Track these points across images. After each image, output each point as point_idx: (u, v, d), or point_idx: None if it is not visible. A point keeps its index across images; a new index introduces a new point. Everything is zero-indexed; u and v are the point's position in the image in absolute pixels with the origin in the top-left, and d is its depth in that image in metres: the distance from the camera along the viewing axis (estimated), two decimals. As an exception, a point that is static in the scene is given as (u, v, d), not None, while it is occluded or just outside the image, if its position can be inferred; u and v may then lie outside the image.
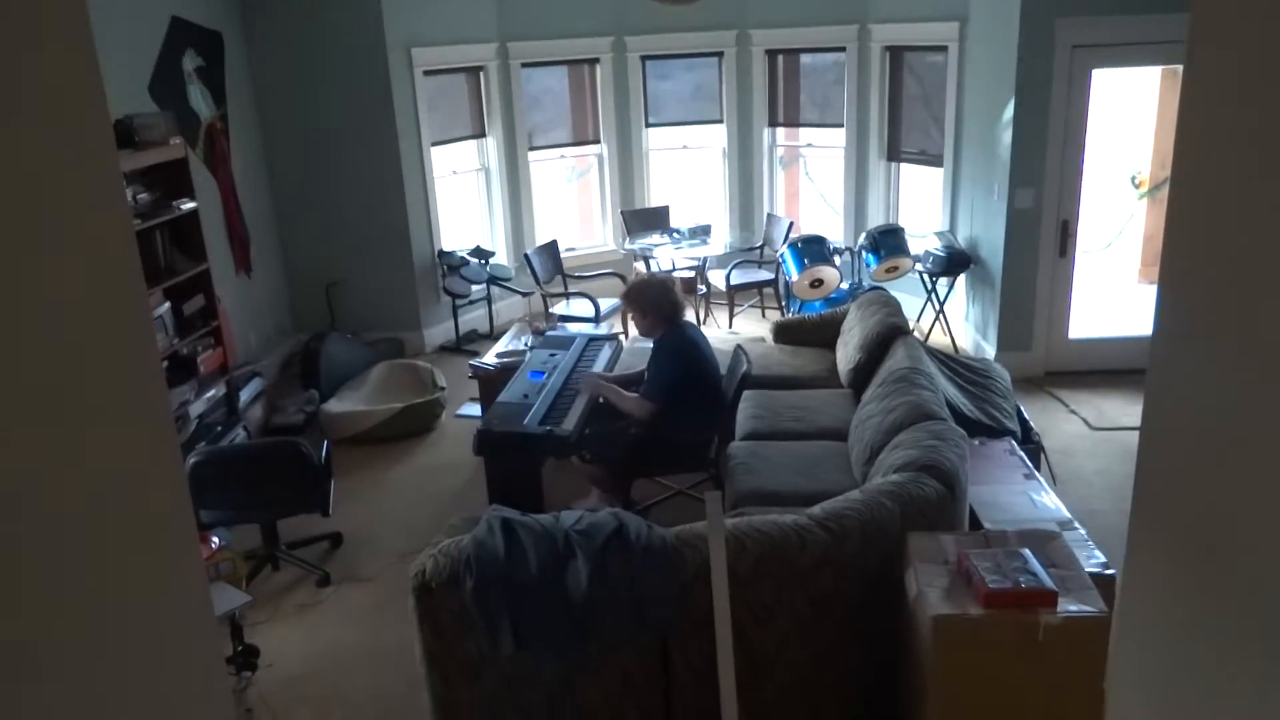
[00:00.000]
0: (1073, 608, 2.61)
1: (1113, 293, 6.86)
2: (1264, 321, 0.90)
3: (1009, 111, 5.72)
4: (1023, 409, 4.72)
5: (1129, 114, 6.25)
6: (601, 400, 4.53)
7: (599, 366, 4.81)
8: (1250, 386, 0.93)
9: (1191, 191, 1.02)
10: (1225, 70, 0.96)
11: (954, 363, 4.94)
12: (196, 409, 5.06)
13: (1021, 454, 4.14)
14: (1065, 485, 4.56)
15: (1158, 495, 1.12)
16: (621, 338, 5.45)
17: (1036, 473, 4.03)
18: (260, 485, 4.04)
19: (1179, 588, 1.07)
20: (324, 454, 4.19)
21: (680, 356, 4.17)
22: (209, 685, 1.24)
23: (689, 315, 6.24)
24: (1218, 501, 1.00)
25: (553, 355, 4.88)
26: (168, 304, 4.92)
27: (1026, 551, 2.81)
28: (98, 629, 1.01)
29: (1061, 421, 5.47)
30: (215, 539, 2.95)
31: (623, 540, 2.94)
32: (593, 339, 5.17)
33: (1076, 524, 3.54)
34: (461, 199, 7.58)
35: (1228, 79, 0.96)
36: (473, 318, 7.48)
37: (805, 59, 7.75)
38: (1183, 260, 1.04)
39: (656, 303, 4.21)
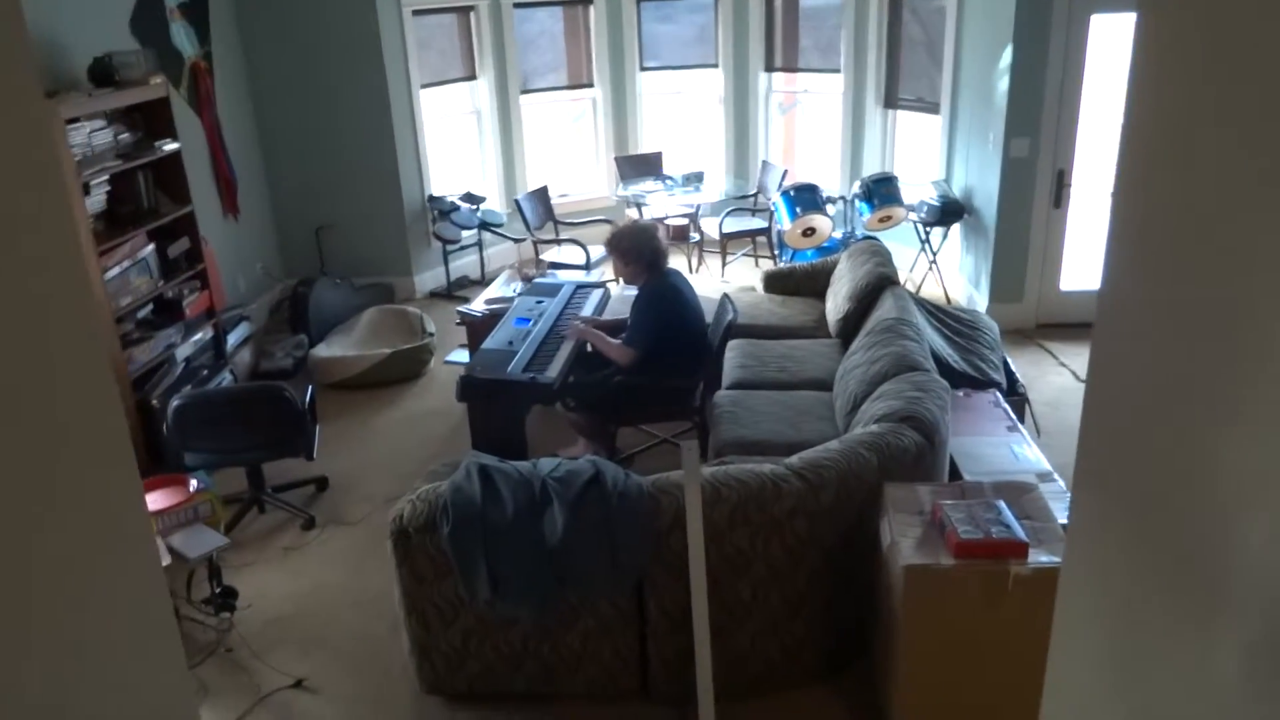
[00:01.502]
0: (1043, 559, 2.63)
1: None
2: (1204, 278, 0.88)
3: (1006, 58, 5.61)
4: (1009, 361, 4.71)
5: (1128, 61, 6.12)
6: (590, 348, 4.52)
7: (586, 314, 4.78)
8: (1192, 340, 0.91)
9: (1141, 145, 1.00)
10: (1179, 19, 0.93)
11: (942, 314, 4.91)
12: (183, 352, 5.05)
13: (1005, 406, 4.14)
14: (1050, 437, 4.56)
15: (1100, 447, 1.11)
16: (611, 285, 5.42)
17: (1020, 425, 4.03)
18: (244, 429, 4.04)
19: (1119, 543, 1.07)
20: (307, 398, 4.19)
21: (661, 304, 4.14)
22: (158, 636, 1.24)
23: (681, 264, 6.19)
24: (1157, 456, 0.99)
25: (539, 302, 4.85)
26: (151, 246, 4.88)
27: (1001, 503, 2.82)
28: (42, 579, 1.00)
29: (1050, 373, 5.46)
30: (194, 481, 2.95)
31: (599, 488, 2.95)
32: (580, 286, 5.14)
33: (1056, 476, 3.54)
34: (453, 143, 7.49)
35: (1181, 28, 0.93)
36: (464, 264, 7.43)
37: (804, 2, 7.59)
38: (1131, 213, 1.02)
39: (639, 250, 4.17)
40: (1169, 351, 0.93)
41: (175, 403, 3.91)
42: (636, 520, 2.89)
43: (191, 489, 2.96)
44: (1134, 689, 1.03)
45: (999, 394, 4.25)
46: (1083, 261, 6.05)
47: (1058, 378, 5.42)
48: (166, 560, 2.72)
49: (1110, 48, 5.58)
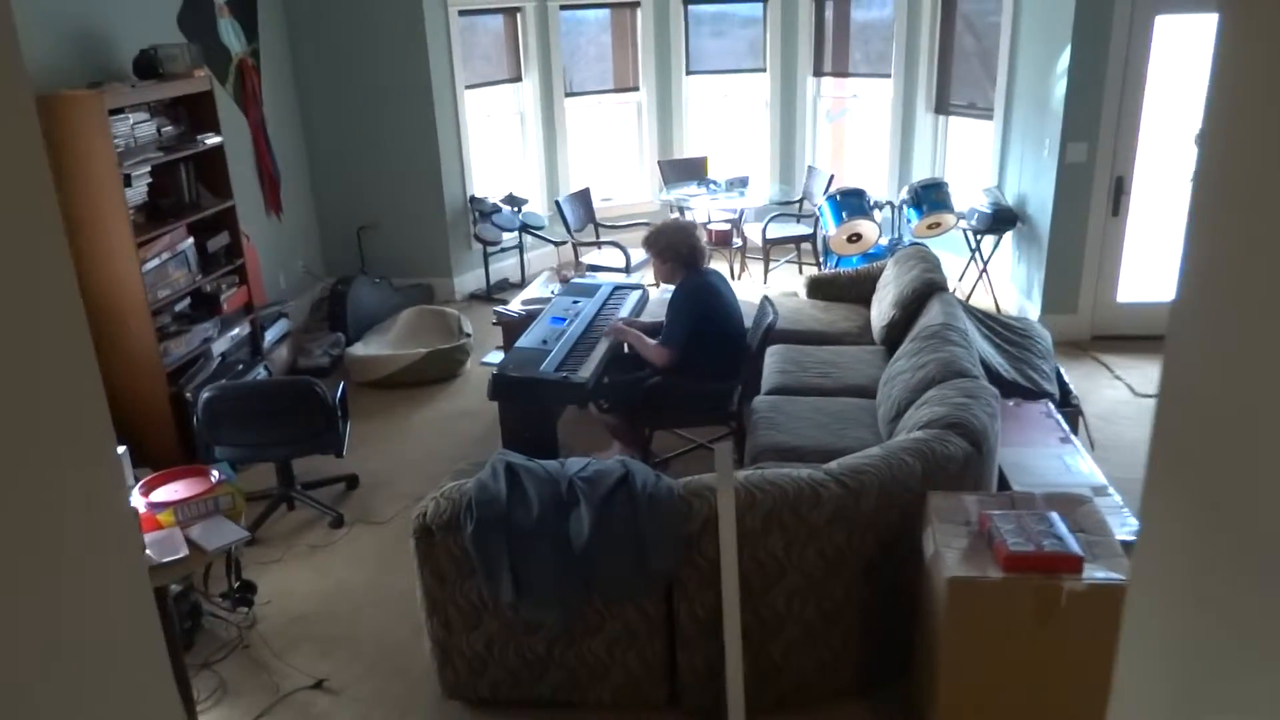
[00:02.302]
0: (1099, 574, 2.46)
1: (1171, 255, 6.52)
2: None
3: (1064, 60, 5.43)
4: (1062, 371, 4.52)
5: (1195, 67, 5.89)
6: (626, 349, 4.42)
7: (624, 315, 4.68)
8: (1273, 343, 0.79)
9: (1225, 143, 0.87)
10: (1267, 11, 0.80)
11: (992, 321, 4.74)
12: (219, 347, 5.03)
13: (1058, 417, 3.96)
14: (1104, 451, 4.37)
15: (1174, 454, 0.98)
16: (650, 288, 5.32)
17: (1074, 437, 3.85)
18: (273, 423, 4.00)
19: (1194, 554, 0.93)
20: (339, 394, 4.13)
21: (698, 301, 4.03)
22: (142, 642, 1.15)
23: (722, 270, 6.07)
24: (1236, 463, 0.86)
25: (576, 302, 4.76)
26: (191, 240, 4.87)
27: (1053, 515, 2.66)
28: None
29: (1105, 386, 5.24)
30: (215, 472, 2.90)
31: (628, 489, 2.84)
32: (619, 287, 5.04)
33: (1111, 490, 3.36)
34: (496, 144, 7.45)
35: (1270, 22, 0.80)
36: (504, 266, 7.39)
37: (855, 7, 7.45)
38: (1211, 215, 0.90)
39: (675, 247, 4.06)
40: (1253, 358, 0.81)
41: (205, 395, 3.88)
42: (666, 523, 2.78)
43: (213, 480, 2.90)
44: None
45: (1051, 405, 4.07)
46: (1142, 272, 5.82)
47: (1112, 391, 5.21)
48: (183, 552, 2.66)
49: (1175, 49, 5.37)
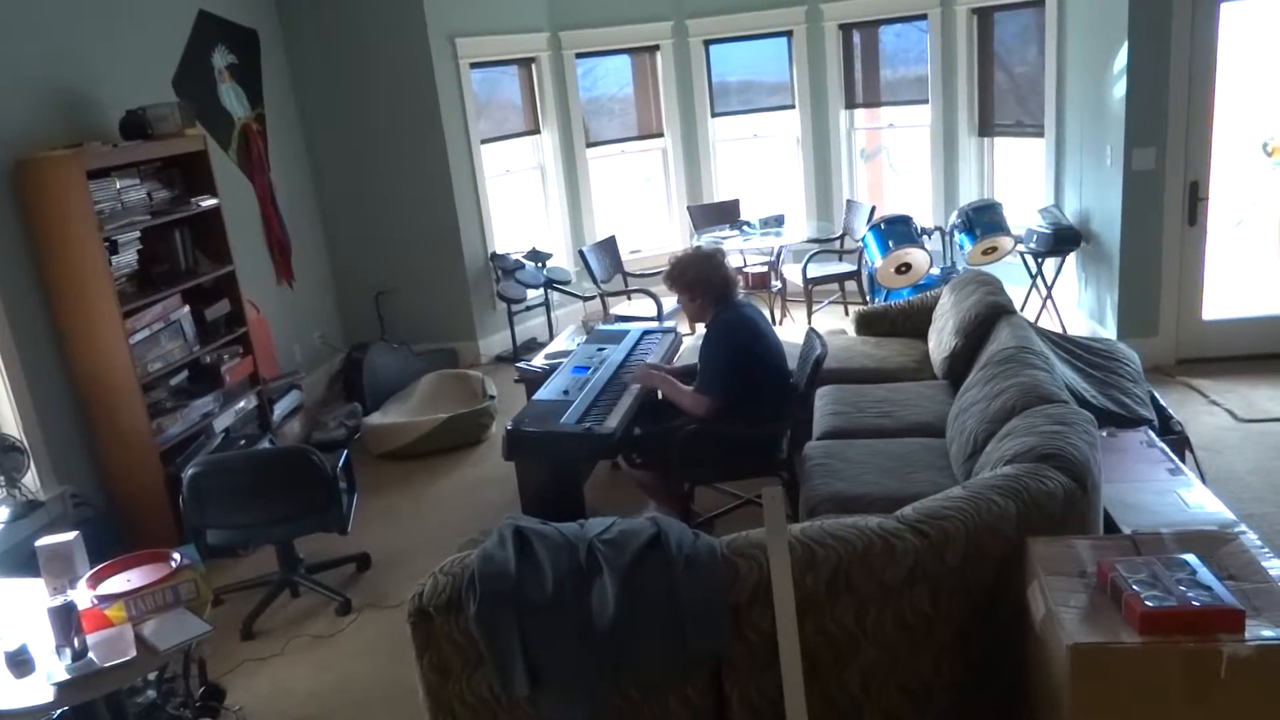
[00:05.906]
0: (1268, 633, 1.91)
1: (1251, 270, 5.94)
2: None
3: (1121, 58, 4.97)
4: (1157, 395, 3.97)
5: (1260, 61, 5.38)
6: (660, 396, 3.96)
7: (654, 360, 4.23)
8: None
9: None
10: None
11: (1070, 343, 4.21)
12: (222, 422, 4.66)
13: (1162, 445, 3.40)
14: (1216, 485, 3.78)
15: None
16: (684, 336, 4.86)
17: (1184, 467, 3.30)
18: (267, 499, 3.57)
19: None
20: (339, 463, 3.71)
21: (736, 337, 3.56)
22: None
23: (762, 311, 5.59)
24: None
25: (601, 349, 4.33)
26: (186, 309, 4.53)
27: (1193, 559, 2.12)
28: None
29: (1202, 414, 4.65)
30: (176, 555, 2.47)
31: (660, 551, 2.35)
32: (648, 332, 4.60)
33: (1245, 527, 2.80)
34: (517, 199, 7.13)
35: None
36: (532, 326, 7.00)
37: (884, 33, 7.09)
38: None
39: (705, 277, 3.60)
40: None
41: (189, 471, 3.47)
42: (708, 591, 2.28)
43: (173, 565, 2.47)
44: None
45: (1151, 432, 3.52)
46: (1228, 286, 5.26)
47: (1211, 418, 4.62)
48: (131, 653, 2.22)
49: (1245, 39, 4.89)
